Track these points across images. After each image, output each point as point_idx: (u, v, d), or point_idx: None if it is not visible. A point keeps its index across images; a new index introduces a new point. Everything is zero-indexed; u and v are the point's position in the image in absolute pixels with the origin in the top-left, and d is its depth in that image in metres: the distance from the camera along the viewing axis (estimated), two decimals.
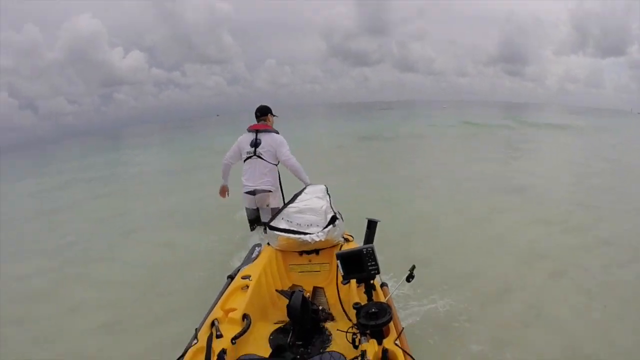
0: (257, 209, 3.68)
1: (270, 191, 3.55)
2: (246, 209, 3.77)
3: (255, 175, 3.52)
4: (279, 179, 3.68)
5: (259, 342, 1.79)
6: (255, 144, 3.51)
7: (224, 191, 3.91)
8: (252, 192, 3.54)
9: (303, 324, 1.73)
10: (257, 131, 3.55)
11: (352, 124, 26.11)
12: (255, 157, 3.51)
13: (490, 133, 17.73)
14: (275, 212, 2.83)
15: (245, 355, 1.66)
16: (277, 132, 3.61)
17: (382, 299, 1.77)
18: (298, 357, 1.63)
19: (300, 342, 1.73)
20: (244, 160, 3.59)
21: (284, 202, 3.35)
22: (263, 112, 3.66)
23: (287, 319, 1.79)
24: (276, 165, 3.58)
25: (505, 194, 6.48)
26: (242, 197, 3.66)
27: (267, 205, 3.55)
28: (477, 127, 19.90)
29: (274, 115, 3.75)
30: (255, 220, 3.75)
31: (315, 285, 2.43)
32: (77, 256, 4.94)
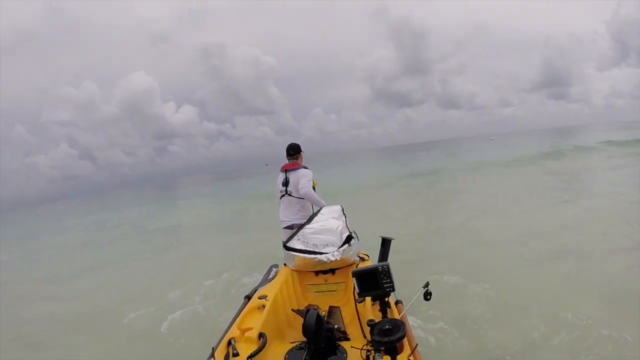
0: None
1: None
2: (283, 243, 3.82)
3: (290, 212, 3.69)
4: (313, 211, 3.75)
5: None
6: (286, 182, 3.71)
7: None
8: (290, 227, 3.61)
9: (318, 343, 1.73)
10: (286, 171, 3.73)
11: (395, 167, 24.84)
12: (287, 195, 3.69)
13: (538, 165, 14.43)
14: (292, 233, 2.87)
15: None
16: (306, 167, 3.74)
17: (397, 316, 1.76)
18: None
19: None
20: (280, 198, 3.76)
21: None
22: (296, 151, 3.83)
23: (303, 339, 1.79)
24: (304, 198, 3.71)
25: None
26: (281, 232, 3.75)
27: None
28: (525, 160, 16.36)
29: (303, 152, 3.94)
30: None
31: (331, 304, 2.43)
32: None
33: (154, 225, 12.41)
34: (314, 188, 3.70)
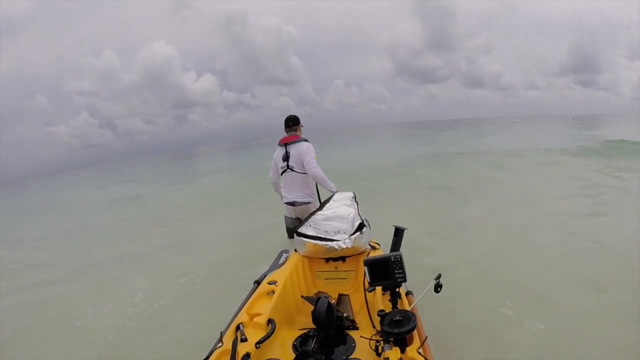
0: (297, 218, 3.68)
1: (309, 202, 3.62)
2: (285, 217, 3.85)
3: (293, 188, 3.62)
4: (317, 187, 3.73)
5: (283, 347, 1.79)
6: (287, 157, 3.59)
7: None
8: (292, 204, 3.63)
9: (327, 331, 1.72)
10: (286, 144, 3.61)
11: (417, 147, 21.26)
12: (289, 170, 3.60)
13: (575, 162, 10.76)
14: (304, 219, 2.86)
15: (268, 359, 1.67)
16: (306, 140, 3.64)
17: (407, 307, 1.73)
18: None
19: (323, 349, 1.72)
20: (281, 174, 3.68)
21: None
22: (295, 122, 3.70)
23: (312, 326, 1.78)
24: (307, 173, 3.62)
25: None
26: (282, 206, 3.79)
27: None
28: (558, 153, 12.78)
29: (302, 125, 3.80)
30: (294, 229, 3.73)
31: (340, 292, 2.42)
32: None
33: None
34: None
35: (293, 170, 3.57)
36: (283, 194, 3.70)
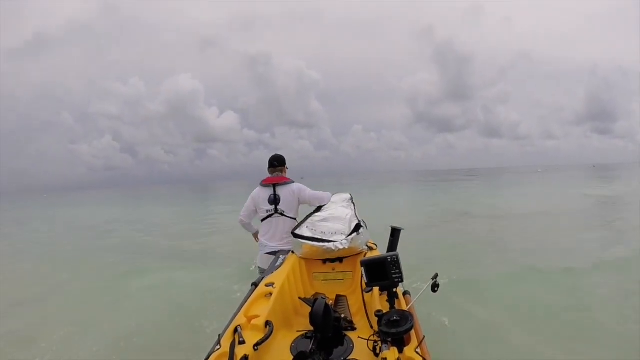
0: None
1: (293, 252, 3.03)
2: (259, 268, 3.21)
3: (277, 235, 3.13)
4: None
5: (281, 350, 1.79)
6: (275, 200, 3.13)
7: (257, 237, 3.39)
8: (274, 253, 2.98)
9: (325, 332, 1.72)
10: (274, 185, 3.14)
11: (437, 199, 18.55)
12: (277, 214, 3.13)
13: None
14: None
15: None
16: (293, 181, 3.24)
17: (405, 308, 1.73)
18: None
19: (321, 351, 1.72)
20: (263, 220, 3.21)
21: None
22: (281, 162, 3.23)
23: (310, 327, 1.78)
24: (295, 219, 3.16)
25: None
26: (259, 257, 3.24)
27: None
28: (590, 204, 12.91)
29: (287, 168, 3.36)
30: None
31: (338, 293, 2.42)
32: None
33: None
34: None
35: (283, 215, 3.11)
36: (263, 241, 3.20)
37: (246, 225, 3.39)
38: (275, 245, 3.08)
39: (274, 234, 3.13)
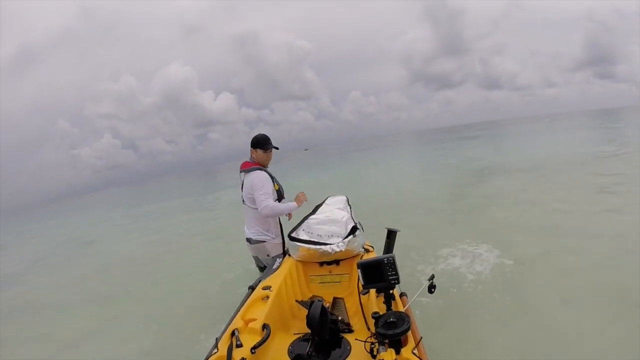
0: (256, 257, 3.13)
1: (264, 241, 2.99)
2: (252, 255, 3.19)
3: (248, 223, 3.04)
4: (279, 222, 3.09)
5: (279, 352, 1.79)
6: (241, 187, 3.04)
7: (300, 199, 3.05)
8: (248, 240, 3.05)
9: (322, 335, 1.72)
10: (244, 171, 2.99)
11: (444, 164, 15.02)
12: (243, 203, 3.03)
13: None
14: (297, 224, 2.86)
15: None
16: (262, 168, 2.94)
17: (402, 309, 1.74)
18: None
19: (319, 353, 1.72)
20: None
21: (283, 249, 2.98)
22: (252, 144, 2.99)
23: (307, 330, 1.79)
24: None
25: None
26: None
27: (268, 256, 2.96)
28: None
29: (268, 148, 2.98)
30: (264, 267, 2.94)
31: (335, 295, 2.42)
32: None
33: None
34: (279, 193, 2.94)
35: (245, 203, 3.00)
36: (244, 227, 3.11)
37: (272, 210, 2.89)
38: (247, 233, 3.04)
39: (247, 222, 3.05)
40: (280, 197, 2.97)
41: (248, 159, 3.01)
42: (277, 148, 3.00)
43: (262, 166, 2.95)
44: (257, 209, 2.85)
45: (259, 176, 2.85)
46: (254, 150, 2.96)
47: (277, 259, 2.70)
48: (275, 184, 2.93)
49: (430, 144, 31.58)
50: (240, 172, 3.01)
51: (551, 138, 20.35)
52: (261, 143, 2.95)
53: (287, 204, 2.93)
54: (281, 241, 3.02)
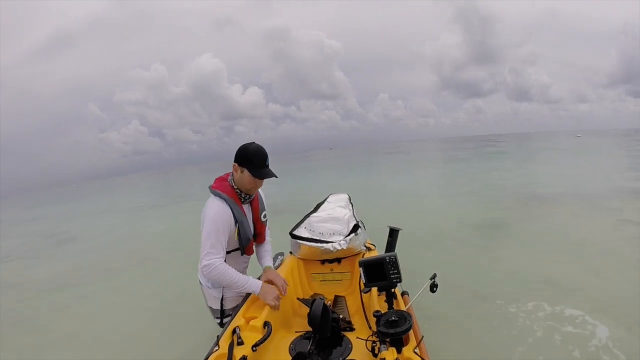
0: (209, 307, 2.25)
1: (201, 284, 2.19)
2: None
3: None
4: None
5: (280, 350, 1.79)
6: None
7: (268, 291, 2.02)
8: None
9: (324, 332, 1.72)
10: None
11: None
12: None
13: None
14: (299, 221, 2.85)
15: None
16: (225, 197, 1.95)
17: (403, 308, 1.74)
18: None
19: (320, 351, 1.72)
20: None
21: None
22: (242, 160, 1.95)
23: (308, 328, 1.79)
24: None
25: None
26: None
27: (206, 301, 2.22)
28: None
29: (264, 176, 1.95)
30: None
31: (336, 294, 2.42)
32: None
33: None
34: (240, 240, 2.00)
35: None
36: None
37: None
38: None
39: None
40: (243, 244, 2.02)
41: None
42: (276, 177, 1.97)
43: (237, 193, 2.00)
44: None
45: (213, 212, 1.89)
46: (239, 168, 1.95)
47: (279, 257, 2.70)
48: (238, 227, 1.96)
49: (456, 156, 28.25)
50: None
51: (589, 158, 18.04)
52: (255, 164, 1.93)
53: (242, 278, 1.93)
54: (220, 295, 2.08)
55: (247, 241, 2.03)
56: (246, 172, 1.93)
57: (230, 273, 1.89)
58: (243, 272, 2.09)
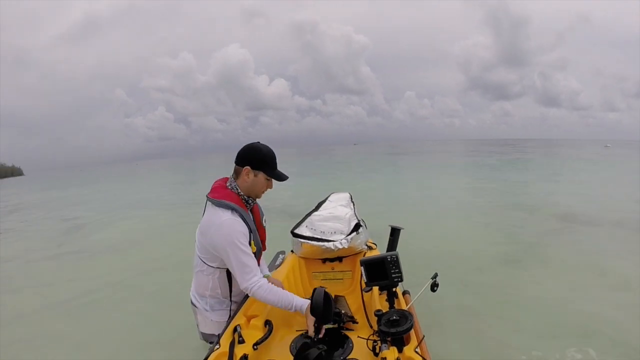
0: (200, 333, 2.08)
1: (195, 306, 1.99)
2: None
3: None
4: (229, 288, 1.92)
5: (281, 349, 1.79)
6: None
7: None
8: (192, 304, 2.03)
9: (326, 320, 1.71)
10: (209, 200, 1.81)
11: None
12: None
13: None
14: (300, 220, 2.85)
15: None
16: (231, 206, 1.75)
17: (404, 307, 1.74)
18: None
19: (322, 345, 1.72)
20: None
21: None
22: (255, 162, 1.79)
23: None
24: (212, 267, 1.85)
25: None
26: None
27: (197, 326, 2.03)
28: None
29: (279, 178, 1.86)
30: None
31: (337, 293, 2.42)
32: None
33: None
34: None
35: (196, 249, 1.88)
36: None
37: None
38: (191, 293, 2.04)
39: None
40: (257, 255, 1.87)
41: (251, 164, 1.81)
42: (287, 177, 1.89)
43: (245, 200, 1.86)
44: (204, 262, 1.85)
45: (233, 229, 1.71)
46: (251, 172, 1.79)
47: (280, 255, 2.70)
48: (252, 237, 1.80)
49: (483, 161, 26.05)
50: (207, 198, 1.81)
51: (623, 173, 16.42)
52: (271, 166, 1.82)
53: (288, 295, 1.81)
54: (217, 320, 1.94)
55: (259, 251, 1.92)
56: (261, 176, 1.81)
57: (276, 290, 1.79)
58: None
